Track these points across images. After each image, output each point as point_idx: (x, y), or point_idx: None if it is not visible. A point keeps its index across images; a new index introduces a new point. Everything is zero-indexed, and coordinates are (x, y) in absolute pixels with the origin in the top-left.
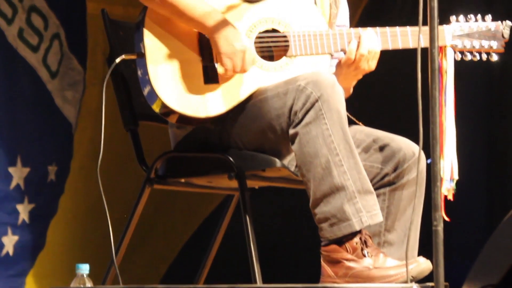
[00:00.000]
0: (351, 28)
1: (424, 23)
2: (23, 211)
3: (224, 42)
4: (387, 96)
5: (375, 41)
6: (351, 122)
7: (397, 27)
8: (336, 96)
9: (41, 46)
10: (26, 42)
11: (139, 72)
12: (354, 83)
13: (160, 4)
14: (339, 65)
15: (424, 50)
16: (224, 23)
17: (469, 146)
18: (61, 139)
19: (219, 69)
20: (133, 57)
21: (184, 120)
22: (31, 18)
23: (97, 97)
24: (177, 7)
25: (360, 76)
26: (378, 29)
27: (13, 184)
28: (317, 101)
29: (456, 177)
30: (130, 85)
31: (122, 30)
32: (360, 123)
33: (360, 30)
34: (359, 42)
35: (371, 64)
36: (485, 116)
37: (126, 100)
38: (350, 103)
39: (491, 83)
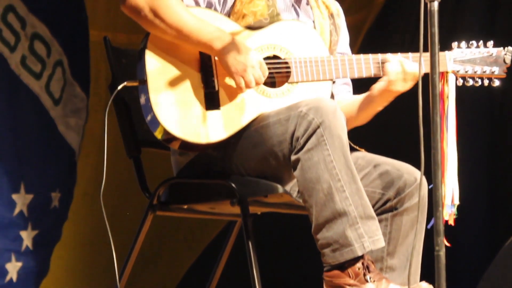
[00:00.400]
0: (369, 55)
1: (425, 49)
2: (26, 237)
3: (234, 61)
4: (389, 122)
5: (410, 63)
6: (352, 149)
7: (399, 53)
8: (338, 122)
9: (44, 73)
10: (29, 70)
11: (141, 99)
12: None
13: (164, 29)
14: (375, 88)
15: (426, 76)
16: (232, 42)
17: (471, 170)
18: (65, 166)
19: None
20: (135, 84)
21: (186, 146)
22: (34, 45)
23: (100, 124)
24: (182, 31)
25: (391, 99)
26: (379, 55)
27: (17, 210)
28: (318, 127)
29: (457, 202)
30: (133, 112)
31: (124, 57)
32: (362, 150)
33: (388, 55)
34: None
35: (406, 85)
36: (486, 141)
37: (128, 127)
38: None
39: (493, 108)
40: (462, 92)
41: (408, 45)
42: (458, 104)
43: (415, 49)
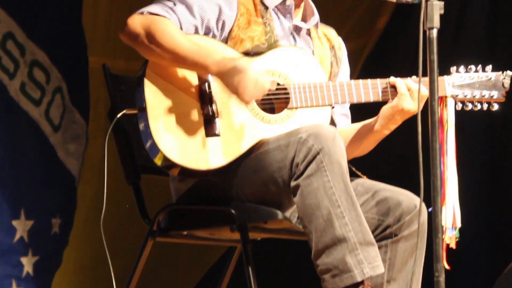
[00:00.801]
0: (368, 80)
1: (424, 74)
2: (27, 263)
3: (231, 80)
4: (389, 148)
5: (414, 83)
6: (353, 175)
7: (398, 78)
8: (337, 149)
9: (43, 100)
10: (28, 96)
11: (140, 126)
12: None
13: (160, 53)
14: (387, 107)
15: (426, 101)
16: (226, 62)
17: (471, 194)
18: (65, 192)
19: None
20: (134, 111)
21: (185, 173)
22: (33, 72)
23: (100, 150)
24: (178, 54)
25: (400, 121)
26: (378, 80)
27: (17, 237)
28: (318, 153)
29: (459, 225)
30: (132, 138)
31: (123, 84)
32: (364, 176)
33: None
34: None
35: (415, 104)
36: (487, 164)
37: (128, 154)
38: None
39: (493, 132)
40: (462, 114)
41: (407, 71)
42: (458, 127)
43: (415, 75)
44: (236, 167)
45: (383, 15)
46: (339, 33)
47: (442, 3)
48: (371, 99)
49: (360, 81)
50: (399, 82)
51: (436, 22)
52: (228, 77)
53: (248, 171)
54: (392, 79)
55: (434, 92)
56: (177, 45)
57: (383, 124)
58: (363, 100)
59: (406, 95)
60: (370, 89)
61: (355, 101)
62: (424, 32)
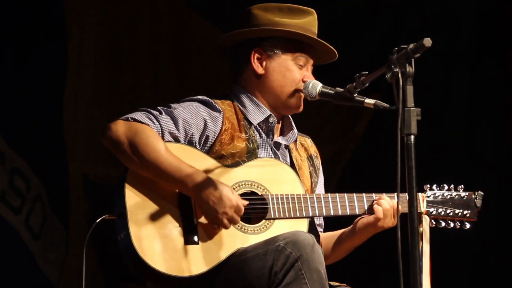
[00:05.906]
0: (344, 194)
1: (403, 190)
2: None
3: (207, 206)
4: (369, 256)
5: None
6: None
7: (373, 193)
8: (316, 256)
9: (23, 208)
10: (8, 205)
11: (119, 233)
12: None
13: (142, 165)
14: (361, 223)
15: (404, 215)
16: (206, 185)
17: None
18: None
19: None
20: (113, 217)
21: (164, 279)
22: (13, 180)
23: (80, 258)
24: (159, 169)
25: (374, 233)
26: (354, 195)
27: None
28: (296, 261)
29: None
30: (112, 246)
31: (102, 192)
32: (344, 284)
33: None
34: (379, 202)
35: (395, 221)
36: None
37: (107, 263)
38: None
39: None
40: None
41: (387, 177)
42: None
43: (394, 182)
44: (214, 276)
45: (362, 119)
46: (318, 138)
47: (419, 109)
48: (348, 212)
49: (337, 195)
50: (383, 205)
51: (414, 128)
52: (205, 205)
53: (227, 280)
54: (374, 198)
55: (413, 199)
56: (159, 161)
57: (356, 238)
58: (339, 213)
59: (387, 216)
60: (346, 203)
61: (332, 214)
62: (402, 138)
